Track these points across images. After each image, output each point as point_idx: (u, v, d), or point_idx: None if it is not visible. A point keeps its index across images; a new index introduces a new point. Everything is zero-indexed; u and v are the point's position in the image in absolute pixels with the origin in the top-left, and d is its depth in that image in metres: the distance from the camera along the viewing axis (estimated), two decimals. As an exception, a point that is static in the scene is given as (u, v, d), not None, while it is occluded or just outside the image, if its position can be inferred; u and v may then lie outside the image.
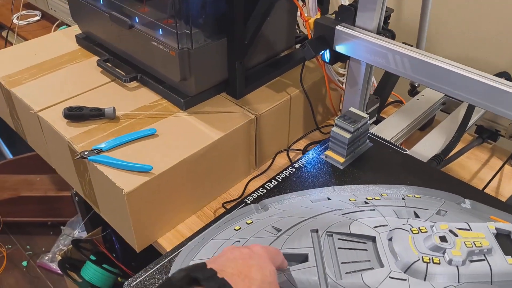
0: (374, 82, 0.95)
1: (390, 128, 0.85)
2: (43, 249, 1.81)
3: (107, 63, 0.87)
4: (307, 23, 0.75)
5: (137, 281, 0.50)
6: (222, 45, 0.76)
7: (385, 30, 0.70)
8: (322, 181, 0.63)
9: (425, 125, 0.95)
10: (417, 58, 0.63)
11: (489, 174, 0.85)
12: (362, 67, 0.73)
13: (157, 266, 0.51)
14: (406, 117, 0.89)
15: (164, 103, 0.79)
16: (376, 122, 0.87)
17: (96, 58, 0.90)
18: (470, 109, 0.83)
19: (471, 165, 0.87)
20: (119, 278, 1.23)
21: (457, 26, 1.07)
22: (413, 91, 0.99)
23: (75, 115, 0.74)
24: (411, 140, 0.91)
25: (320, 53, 0.74)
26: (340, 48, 0.72)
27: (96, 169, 0.66)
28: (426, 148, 0.79)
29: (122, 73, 0.85)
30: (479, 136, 0.91)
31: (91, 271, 1.20)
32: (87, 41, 0.94)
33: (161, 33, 0.74)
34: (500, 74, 0.89)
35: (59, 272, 1.71)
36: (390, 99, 1.06)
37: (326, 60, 0.74)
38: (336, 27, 0.70)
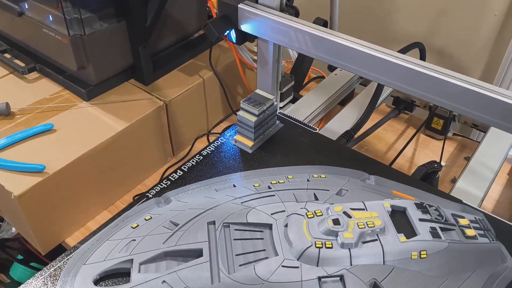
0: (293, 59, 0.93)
1: (307, 105, 0.85)
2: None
3: (5, 55, 0.80)
4: (210, 1, 0.72)
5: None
6: (121, 29, 0.71)
7: (288, 7, 0.68)
8: (230, 167, 0.62)
9: (345, 99, 0.95)
10: (318, 35, 0.61)
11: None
12: (270, 46, 0.71)
13: (44, 276, 0.48)
14: (324, 93, 0.88)
15: (65, 94, 0.74)
16: (294, 101, 0.86)
17: (-9, 48, 0.83)
18: (381, 84, 0.83)
19: (388, 137, 0.88)
20: (50, 276, 1.18)
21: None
22: (332, 66, 0.98)
23: (-38, 113, 0.67)
24: (331, 115, 0.91)
25: (226, 33, 0.71)
26: (245, 27, 0.69)
27: (-15, 173, 0.60)
28: (340, 124, 0.79)
29: (21, 64, 0.78)
30: (395, 108, 0.92)
31: (19, 270, 1.15)
32: (-20, 30, 0.86)
33: (51, 19, 0.68)
34: (414, 45, 0.90)
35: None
36: (313, 75, 1.06)
37: (233, 40, 0.71)
38: (239, 5, 0.67)
